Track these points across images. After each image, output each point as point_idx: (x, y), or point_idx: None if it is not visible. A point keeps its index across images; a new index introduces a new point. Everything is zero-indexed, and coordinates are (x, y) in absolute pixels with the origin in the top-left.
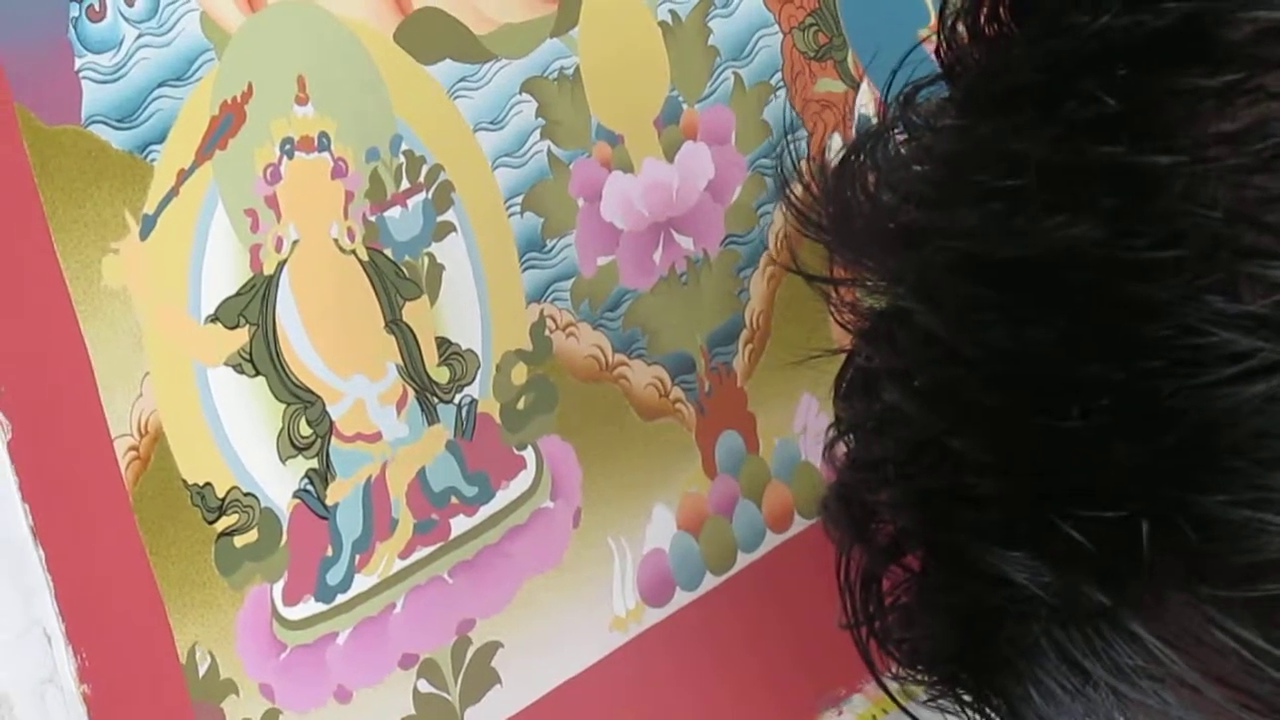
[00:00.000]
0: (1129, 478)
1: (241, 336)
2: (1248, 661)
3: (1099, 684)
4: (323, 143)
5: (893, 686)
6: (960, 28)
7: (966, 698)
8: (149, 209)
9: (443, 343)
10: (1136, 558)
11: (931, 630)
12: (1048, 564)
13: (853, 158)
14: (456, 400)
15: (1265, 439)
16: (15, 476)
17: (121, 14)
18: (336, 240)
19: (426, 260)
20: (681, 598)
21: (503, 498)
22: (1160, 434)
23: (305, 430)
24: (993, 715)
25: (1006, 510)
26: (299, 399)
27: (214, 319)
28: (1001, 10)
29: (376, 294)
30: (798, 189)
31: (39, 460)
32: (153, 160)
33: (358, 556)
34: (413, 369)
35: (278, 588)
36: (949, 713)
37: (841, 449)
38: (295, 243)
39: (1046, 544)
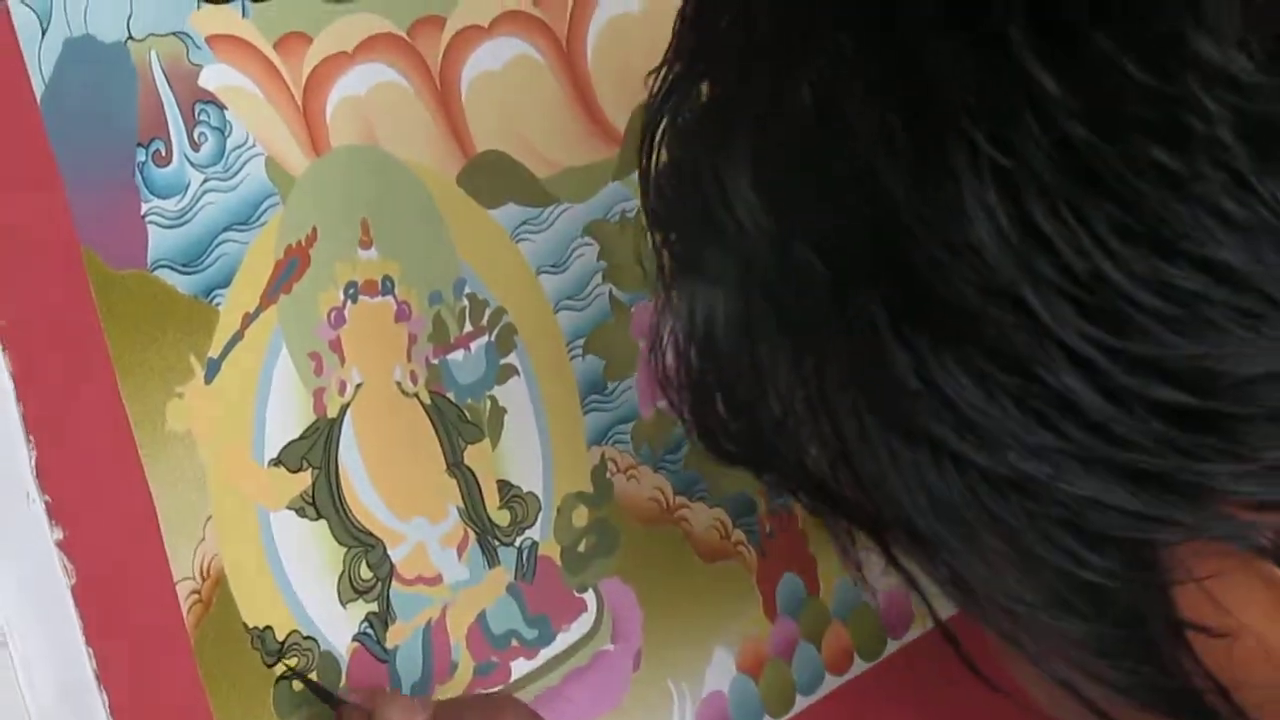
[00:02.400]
0: None
1: (304, 480)
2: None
3: None
4: (386, 286)
5: None
6: None
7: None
8: (214, 353)
9: (504, 485)
10: None
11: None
12: None
13: None
14: (517, 543)
15: None
16: (80, 620)
17: (188, 159)
18: (399, 384)
19: (489, 403)
20: None
21: (563, 640)
22: None
23: (366, 573)
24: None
25: None
26: (360, 542)
27: (277, 462)
28: None
29: (439, 437)
30: None
31: (103, 604)
32: (218, 304)
33: (399, 698)
34: (474, 511)
35: None
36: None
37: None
38: (359, 386)
39: None
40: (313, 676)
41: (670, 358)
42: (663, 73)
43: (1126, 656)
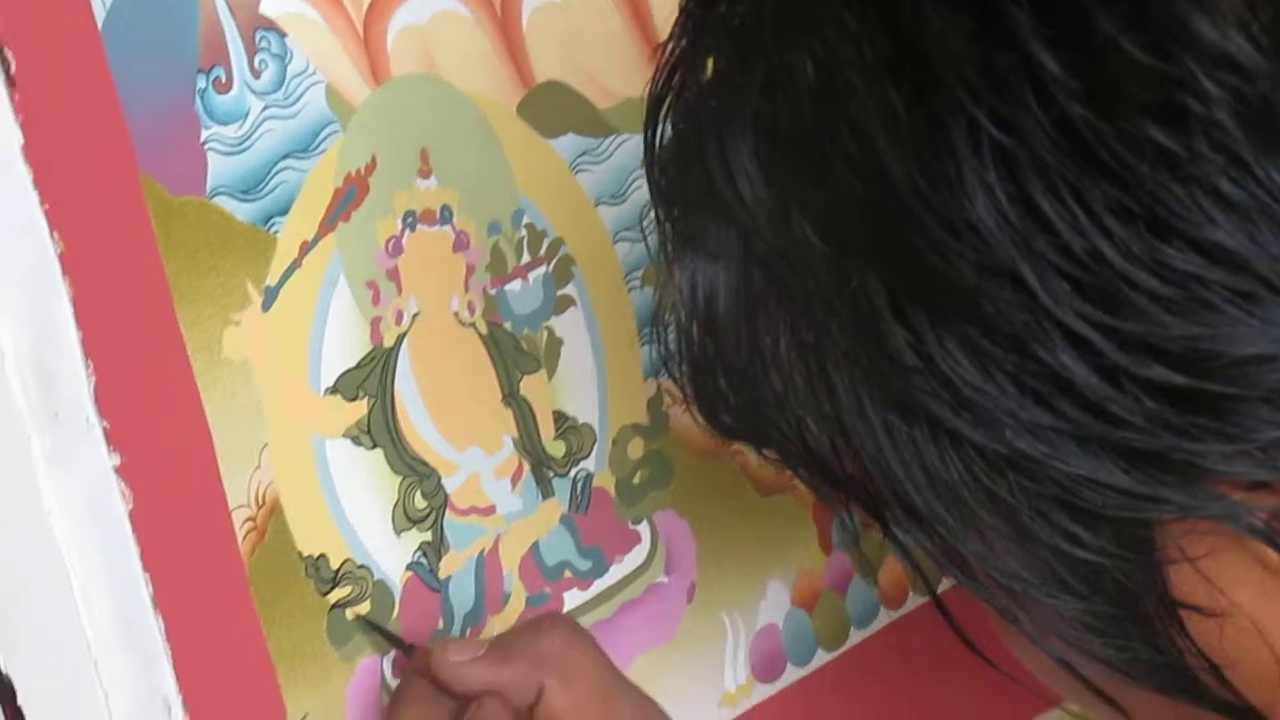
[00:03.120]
0: None
1: (360, 409)
2: None
3: None
4: (445, 215)
5: None
6: None
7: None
8: (271, 281)
9: (559, 416)
10: None
11: None
12: None
13: None
14: (572, 474)
15: None
16: (136, 545)
17: (248, 86)
18: (456, 313)
19: (546, 334)
20: (792, 673)
21: (617, 572)
22: None
23: (420, 503)
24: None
25: None
26: (415, 472)
27: (333, 391)
28: None
29: (495, 367)
30: None
31: (159, 530)
32: (276, 232)
33: (469, 629)
34: (529, 442)
35: (388, 660)
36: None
37: None
38: (415, 315)
39: None
40: (363, 611)
41: (671, 332)
42: (668, 48)
43: (1120, 634)
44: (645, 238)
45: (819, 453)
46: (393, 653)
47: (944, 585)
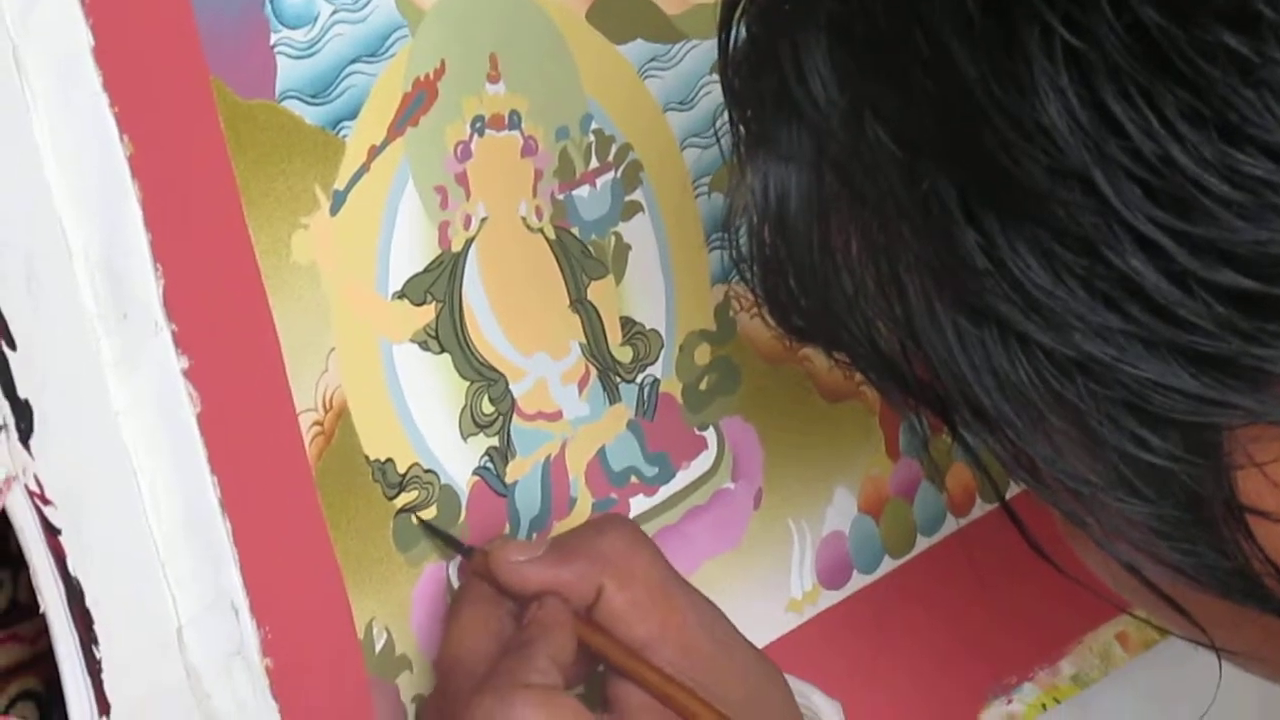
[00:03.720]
0: None
1: (428, 313)
2: None
3: None
4: (513, 121)
5: None
6: None
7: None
8: (340, 185)
9: (627, 322)
10: None
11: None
12: None
13: None
14: (639, 380)
15: None
16: (205, 449)
17: None
18: (524, 218)
19: (613, 239)
20: (858, 580)
21: (683, 478)
22: None
23: (487, 408)
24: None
25: None
26: (482, 376)
27: (401, 295)
28: None
29: (562, 273)
30: None
31: (227, 433)
32: (344, 136)
33: (535, 535)
34: (596, 348)
35: (454, 565)
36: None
37: None
38: (484, 220)
39: None
40: (430, 516)
41: (743, 235)
42: None
43: (1187, 539)
44: (718, 139)
45: (889, 356)
46: (459, 558)
47: (1012, 491)
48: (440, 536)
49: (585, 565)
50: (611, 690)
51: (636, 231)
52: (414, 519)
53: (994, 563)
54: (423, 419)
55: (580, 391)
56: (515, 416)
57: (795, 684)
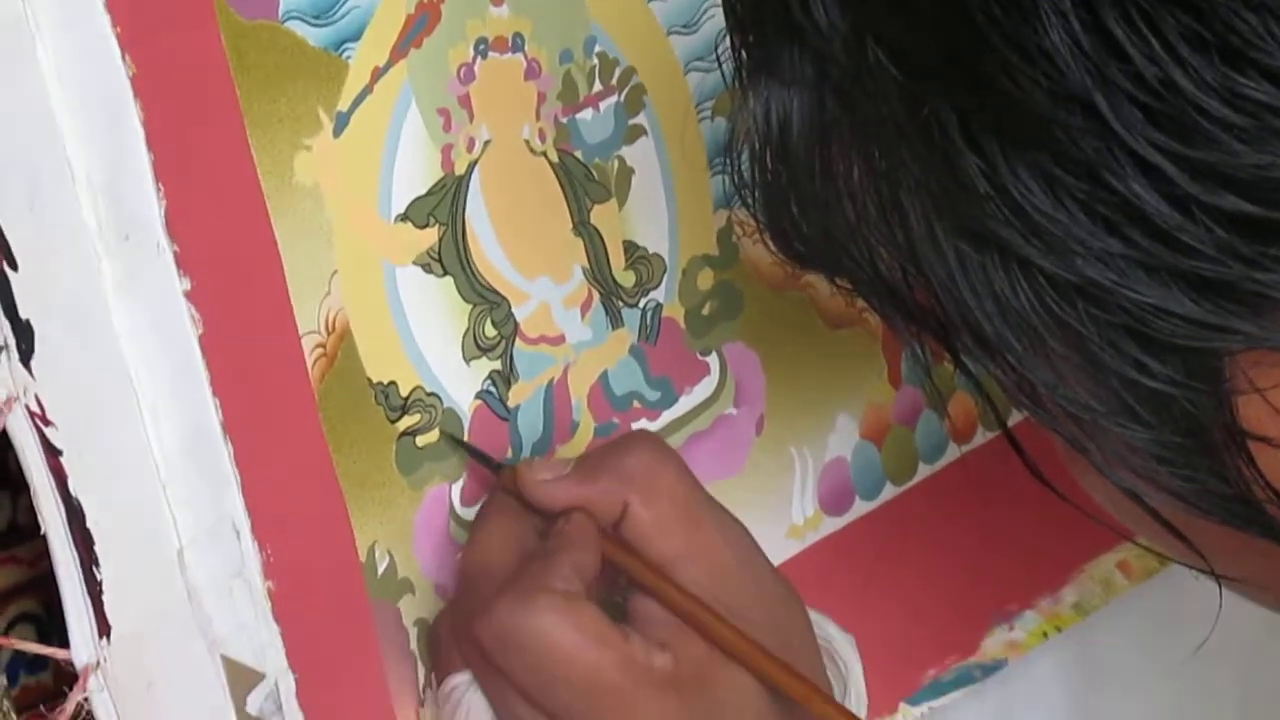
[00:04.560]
0: None
1: (431, 236)
2: None
3: None
4: (517, 43)
5: None
6: None
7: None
8: (343, 106)
9: (630, 246)
10: None
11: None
12: None
13: None
14: (641, 304)
15: None
16: (206, 371)
17: None
18: (528, 142)
19: (616, 163)
20: (860, 507)
21: (685, 403)
22: None
23: (490, 331)
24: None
25: None
26: (485, 299)
27: (404, 218)
28: None
29: (565, 196)
30: None
31: (229, 355)
32: (348, 58)
33: (537, 459)
34: (599, 272)
35: (456, 488)
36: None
37: None
38: (487, 143)
39: None
40: (432, 440)
41: (745, 160)
42: None
43: (1188, 465)
44: (720, 64)
45: (891, 282)
46: (462, 481)
47: (1014, 418)
48: (469, 451)
49: (611, 482)
50: (633, 604)
51: (639, 155)
52: (445, 433)
53: (996, 490)
54: (425, 342)
55: (583, 315)
56: (518, 340)
57: (811, 615)
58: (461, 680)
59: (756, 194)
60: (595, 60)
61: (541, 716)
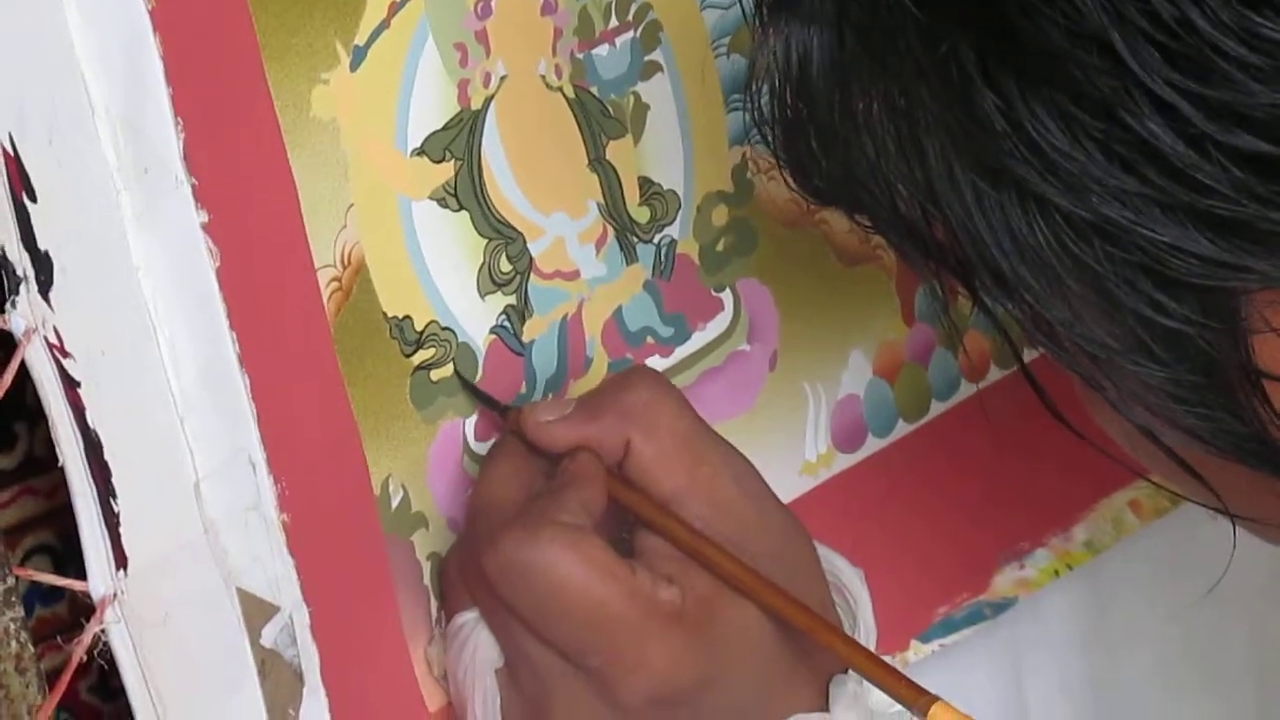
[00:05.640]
0: None
1: (447, 171)
2: None
3: None
4: None
5: None
6: None
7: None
8: (360, 40)
9: (645, 182)
10: None
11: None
12: None
13: None
14: (656, 240)
15: None
16: (224, 304)
17: None
18: (544, 77)
19: (632, 99)
20: (873, 444)
21: (699, 339)
22: None
23: (505, 266)
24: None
25: None
26: (501, 235)
27: (420, 152)
28: None
29: (581, 132)
30: None
31: (246, 289)
32: None
33: (551, 394)
34: (614, 208)
35: (470, 423)
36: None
37: None
38: (503, 78)
39: None
40: (447, 374)
41: (764, 97)
42: None
43: (1203, 403)
44: (740, 1)
45: (909, 219)
46: (475, 416)
47: (1028, 356)
48: (476, 394)
49: (612, 420)
50: (639, 540)
51: (655, 91)
52: (435, 375)
53: (1008, 428)
54: (441, 276)
55: (598, 251)
56: (533, 275)
57: (819, 549)
58: (469, 618)
59: (776, 130)
60: None
61: (548, 650)
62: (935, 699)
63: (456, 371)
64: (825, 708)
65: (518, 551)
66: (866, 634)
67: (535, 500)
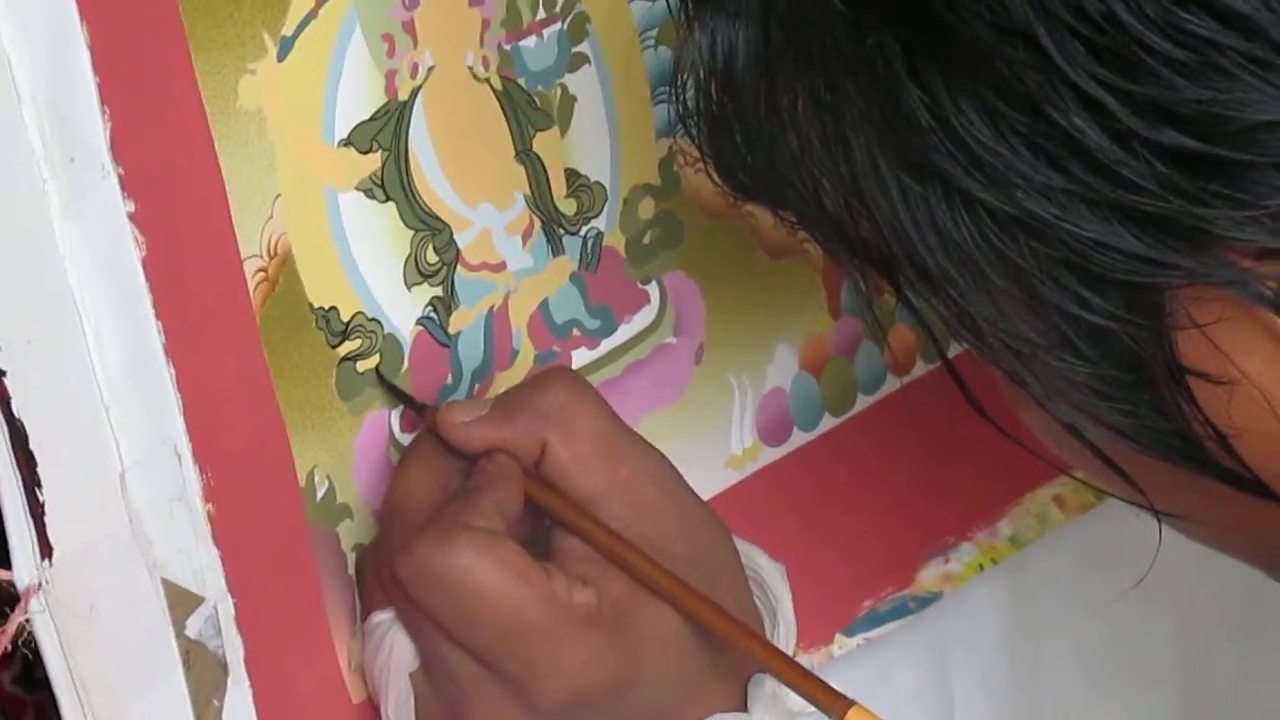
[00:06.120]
0: None
1: (374, 161)
2: None
3: None
4: None
5: None
6: None
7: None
8: (287, 31)
9: (571, 174)
10: None
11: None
12: None
13: None
14: (582, 233)
15: None
16: (150, 293)
17: None
18: (471, 68)
19: (559, 91)
20: (799, 437)
21: (625, 331)
22: None
23: (432, 258)
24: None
25: None
26: (427, 226)
27: (347, 143)
28: None
29: (508, 123)
30: None
31: (172, 278)
32: None
33: (477, 385)
34: (540, 200)
35: (396, 415)
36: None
37: None
38: (430, 69)
39: None
40: (373, 365)
41: (690, 91)
42: None
43: (1128, 400)
44: None
45: (834, 215)
46: (401, 407)
47: (953, 351)
48: (394, 392)
49: (528, 422)
50: (557, 541)
51: (582, 83)
52: (361, 367)
53: (933, 423)
54: (367, 267)
55: (524, 243)
56: (459, 266)
57: (740, 545)
58: (384, 618)
59: (701, 125)
60: None
61: (463, 655)
62: (852, 703)
63: (376, 369)
64: (744, 708)
65: (431, 556)
66: (786, 631)
67: (450, 503)
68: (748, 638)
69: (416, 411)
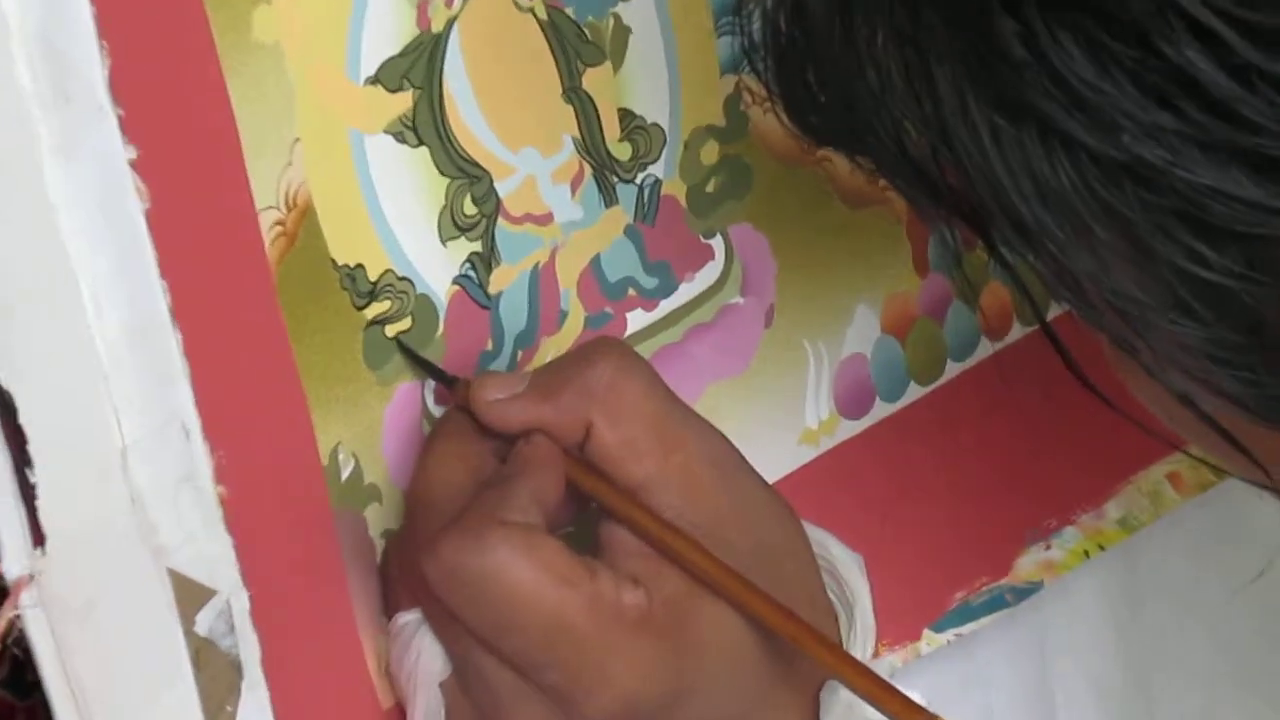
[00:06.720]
0: None
1: (404, 101)
2: None
3: None
4: None
5: None
6: None
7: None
8: None
9: (626, 115)
10: None
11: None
12: None
13: None
14: (638, 180)
15: None
16: (153, 249)
17: None
18: None
19: (612, 21)
20: (881, 409)
21: (686, 291)
22: None
23: (470, 209)
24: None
25: None
26: (465, 173)
27: (374, 81)
28: None
29: (554, 58)
30: None
31: (178, 232)
32: None
33: (520, 352)
34: (591, 143)
35: (430, 385)
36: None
37: None
38: None
39: None
40: (404, 329)
41: (756, 21)
42: None
43: (1247, 366)
44: None
45: (918, 161)
46: None
47: (1053, 313)
48: (419, 363)
49: (571, 400)
50: (604, 533)
51: (637, 13)
52: (395, 338)
53: (1032, 393)
54: (397, 220)
55: (573, 192)
56: (500, 219)
57: (811, 532)
58: (411, 619)
59: (768, 60)
60: None
61: (499, 664)
62: (934, 718)
63: (398, 337)
64: None
65: (460, 556)
66: (864, 630)
67: (481, 492)
68: (815, 642)
69: (446, 385)
